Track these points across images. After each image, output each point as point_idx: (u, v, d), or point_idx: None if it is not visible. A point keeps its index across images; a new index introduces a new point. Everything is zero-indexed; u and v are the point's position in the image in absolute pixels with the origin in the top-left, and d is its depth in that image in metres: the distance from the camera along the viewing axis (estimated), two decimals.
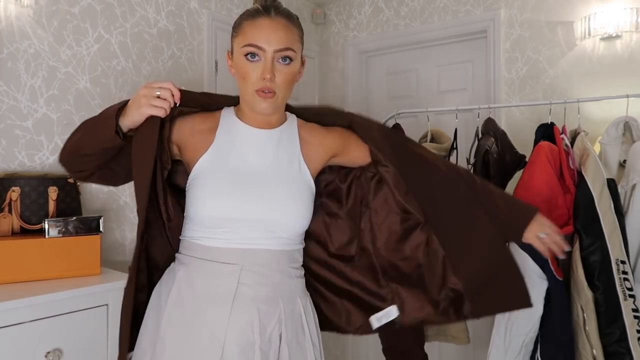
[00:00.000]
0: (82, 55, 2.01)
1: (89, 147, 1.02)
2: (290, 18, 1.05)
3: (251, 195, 1.05)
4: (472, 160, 1.80)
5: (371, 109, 3.14)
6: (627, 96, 1.70)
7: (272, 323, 1.04)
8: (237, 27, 1.06)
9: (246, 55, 1.02)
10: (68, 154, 1.06)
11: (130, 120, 1.00)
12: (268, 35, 1.00)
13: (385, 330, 1.82)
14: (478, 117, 1.91)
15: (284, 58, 1.02)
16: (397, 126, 1.95)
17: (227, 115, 1.13)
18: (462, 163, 1.96)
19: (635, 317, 1.50)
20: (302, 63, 1.11)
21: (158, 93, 0.99)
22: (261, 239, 1.06)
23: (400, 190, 1.20)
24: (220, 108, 1.16)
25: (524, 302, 1.22)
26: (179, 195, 1.14)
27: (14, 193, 1.62)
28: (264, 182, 1.07)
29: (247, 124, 1.11)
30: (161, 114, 1.00)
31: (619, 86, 2.13)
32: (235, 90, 1.14)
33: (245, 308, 1.03)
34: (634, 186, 1.59)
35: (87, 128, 1.04)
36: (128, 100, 1.02)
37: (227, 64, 1.12)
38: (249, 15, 1.04)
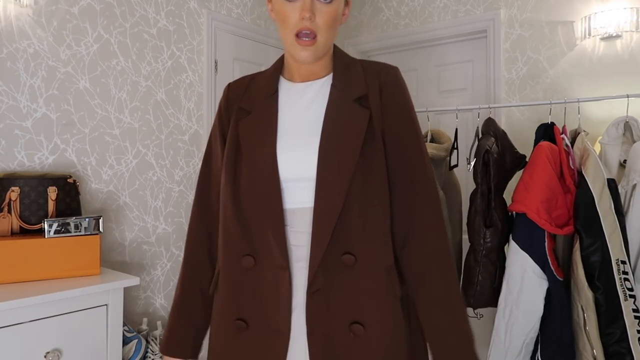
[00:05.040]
0: (81, 55, 2.00)
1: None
2: None
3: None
4: (472, 160, 1.80)
5: None
6: (627, 96, 1.69)
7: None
8: None
9: None
10: None
11: None
12: None
13: None
14: (478, 117, 1.91)
15: None
16: None
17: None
18: (462, 163, 1.96)
19: (636, 317, 1.50)
20: (347, 3, 1.01)
21: None
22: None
23: None
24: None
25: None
26: None
27: (14, 193, 1.62)
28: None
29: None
30: None
31: (619, 86, 2.13)
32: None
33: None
34: (634, 186, 1.59)
35: None
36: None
37: (267, 8, 1.05)
38: None
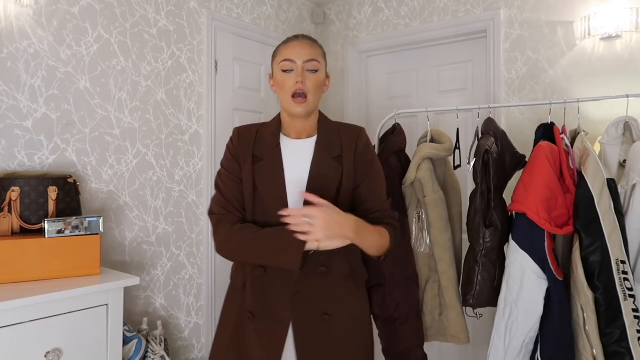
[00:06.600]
0: (81, 55, 2.00)
1: (265, 262, 1.27)
2: (314, 40, 1.37)
3: None
4: (472, 160, 1.80)
5: (371, 109, 3.14)
6: (627, 96, 1.69)
7: None
8: (275, 52, 1.38)
9: (283, 70, 1.31)
10: (236, 257, 1.32)
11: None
12: (297, 51, 1.31)
13: (384, 331, 1.82)
14: (478, 117, 1.91)
15: (311, 70, 1.31)
16: (397, 126, 1.95)
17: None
18: (463, 163, 1.96)
19: (636, 317, 1.50)
20: (327, 77, 1.38)
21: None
22: None
23: None
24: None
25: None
26: None
27: (14, 193, 1.62)
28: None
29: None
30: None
31: (619, 86, 2.13)
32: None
33: None
34: (634, 186, 1.59)
35: (268, 255, 1.25)
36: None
37: (269, 84, 1.42)
38: (284, 42, 1.36)
